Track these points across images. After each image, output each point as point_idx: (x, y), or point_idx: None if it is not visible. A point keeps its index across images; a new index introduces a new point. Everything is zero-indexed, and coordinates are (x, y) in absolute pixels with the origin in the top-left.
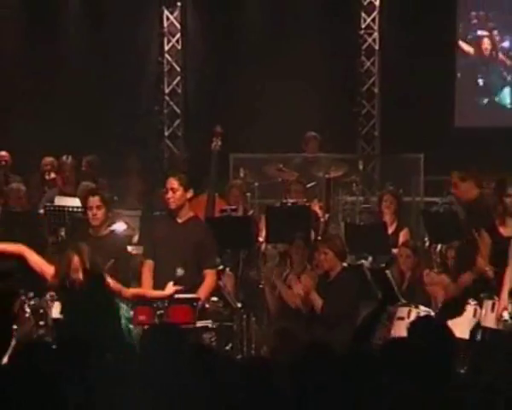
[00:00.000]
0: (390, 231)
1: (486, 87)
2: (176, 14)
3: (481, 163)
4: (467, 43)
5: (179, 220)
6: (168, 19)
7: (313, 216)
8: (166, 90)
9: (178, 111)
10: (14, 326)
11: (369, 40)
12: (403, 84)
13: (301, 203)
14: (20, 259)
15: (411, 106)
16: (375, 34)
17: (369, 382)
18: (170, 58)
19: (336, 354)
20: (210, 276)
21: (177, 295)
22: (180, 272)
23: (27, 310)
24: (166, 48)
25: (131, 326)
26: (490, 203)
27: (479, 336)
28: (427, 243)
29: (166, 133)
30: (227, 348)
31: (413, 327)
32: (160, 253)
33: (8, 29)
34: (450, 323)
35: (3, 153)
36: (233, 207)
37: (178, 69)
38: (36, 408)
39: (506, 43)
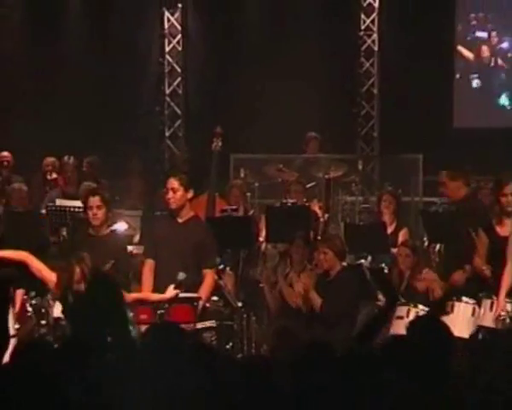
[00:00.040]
0: (389, 230)
1: (485, 88)
2: (176, 15)
3: (479, 163)
4: (466, 48)
5: (180, 220)
6: (169, 20)
7: (313, 216)
8: (167, 91)
9: (179, 112)
10: (16, 326)
11: (369, 41)
12: (402, 85)
13: (301, 203)
14: (23, 265)
15: (410, 107)
16: (375, 35)
17: (369, 380)
18: (170, 59)
19: (336, 353)
20: (210, 275)
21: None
22: (181, 275)
23: (29, 309)
24: (167, 49)
25: (131, 327)
26: (478, 203)
27: (479, 336)
28: (425, 243)
29: (167, 134)
30: (227, 346)
31: (412, 326)
32: (161, 252)
33: (10, 30)
34: (449, 322)
35: (5, 153)
36: (233, 207)
37: (179, 70)
38: (36, 408)
39: (505, 45)
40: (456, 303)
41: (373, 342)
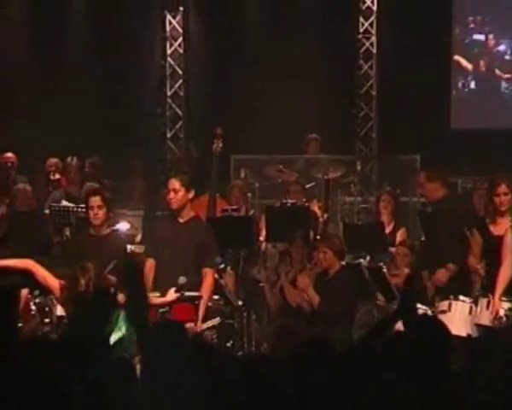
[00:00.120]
0: (387, 230)
1: (482, 90)
2: (178, 18)
3: (476, 164)
4: (464, 54)
5: (181, 220)
6: (171, 23)
7: (312, 216)
8: (169, 93)
9: (180, 113)
10: (20, 324)
11: (367, 44)
12: (400, 86)
13: (301, 203)
14: (27, 273)
15: (408, 108)
16: (373, 38)
17: (369, 378)
18: (172, 62)
19: (336, 351)
20: (210, 275)
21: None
22: (182, 280)
23: (33, 308)
24: (169, 52)
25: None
26: (456, 204)
27: (475, 334)
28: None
29: (169, 135)
30: (228, 345)
31: (410, 325)
32: (162, 252)
33: (12, 30)
34: (446, 320)
35: (9, 154)
36: (234, 207)
37: (180, 72)
38: (36, 408)
39: (502, 47)
40: (454, 302)
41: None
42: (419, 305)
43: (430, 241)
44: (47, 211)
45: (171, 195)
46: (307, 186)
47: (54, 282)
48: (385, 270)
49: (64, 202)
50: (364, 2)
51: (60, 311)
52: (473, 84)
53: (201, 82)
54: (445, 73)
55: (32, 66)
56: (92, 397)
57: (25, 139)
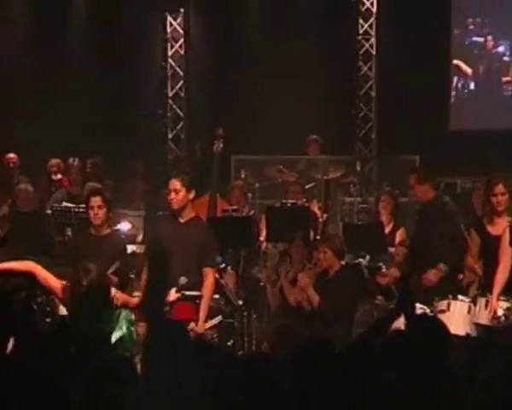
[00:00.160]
0: (387, 230)
1: (480, 91)
2: (179, 20)
3: (474, 165)
4: (463, 57)
5: (181, 220)
6: (171, 25)
7: (312, 216)
8: (170, 94)
9: (181, 114)
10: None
11: (367, 45)
12: (399, 88)
13: (301, 204)
14: (30, 275)
15: (407, 109)
16: (372, 40)
17: (368, 377)
18: (173, 63)
19: (336, 350)
20: (211, 274)
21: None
22: (183, 280)
23: (34, 307)
24: (170, 53)
25: (133, 329)
26: (443, 207)
27: (474, 333)
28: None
29: (170, 136)
30: (228, 344)
31: (409, 324)
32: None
33: (14, 31)
34: (445, 319)
35: (12, 155)
36: (234, 207)
37: (181, 73)
38: (36, 408)
39: (501, 49)
40: (453, 301)
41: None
42: (418, 305)
43: (421, 241)
44: (49, 211)
45: (172, 195)
46: (307, 187)
47: (56, 283)
48: (384, 270)
49: (65, 203)
50: (364, 4)
51: (62, 311)
52: (472, 85)
53: (202, 83)
54: (445, 74)
55: (33, 66)
56: (92, 397)
57: (27, 140)
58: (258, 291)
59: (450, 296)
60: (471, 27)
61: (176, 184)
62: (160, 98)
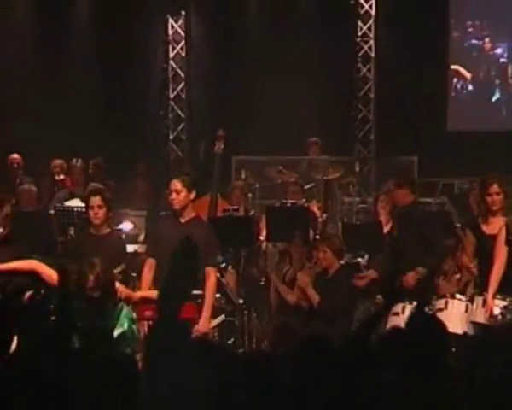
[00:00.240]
0: (385, 230)
1: (479, 92)
2: (180, 22)
3: (472, 165)
4: (462, 61)
5: (182, 220)
6: (173, 27)
7: (312, 216)
8: (171, 96)
9: (183, 115)
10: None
11: (366, 47)
12: (397, 89)
13: (300, 204)
14: (34, 274)
15: (406, 110)
16: (371, 42)
17: (367, 374)
18: (174, 65)
19: (335, 348)
20: (212, 274)
21: None
22: None
23: (39, 306)
24: (171, 55)
25: (134, 326)
26: (422, 211)
27: (471, 332)
28: None
29: (171, 137)
30: (229, 342)
31: (408, 322)
32: (163, 251)
33: (16, 32)
34: (443, 318)
35: (15, 155)
36: (235, 207)
37: (182, 75)
38: (36, 408)
39: (498, 51)
40: (450, 300)
41: (370, 336)
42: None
43: (399, 244)
44: (52, 211)
45: (173, 195)
46: (306, 187)
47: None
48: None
49: (67, 203)
50: (363, 7)
51: None
52: (470, 87)
53: (203, 84)
54: (443, 76)
55: (36, 67)
56: (92, 397)
57: (30, 141)
58: (258, 290)
59: (448, 295)
60: (470, 30)
61: (177, 184)
62: (162, 100)
